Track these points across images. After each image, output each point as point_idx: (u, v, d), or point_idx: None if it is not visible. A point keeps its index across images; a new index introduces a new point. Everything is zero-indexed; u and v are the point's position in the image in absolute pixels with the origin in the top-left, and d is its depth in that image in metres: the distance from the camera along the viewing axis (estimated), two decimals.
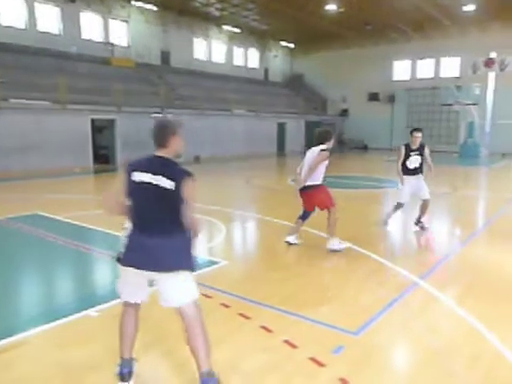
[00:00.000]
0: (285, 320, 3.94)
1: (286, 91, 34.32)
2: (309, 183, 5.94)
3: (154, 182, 2.71)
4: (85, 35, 23.42)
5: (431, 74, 31.00)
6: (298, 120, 30.53)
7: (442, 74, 30.37)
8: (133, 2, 24.60)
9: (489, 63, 26.20)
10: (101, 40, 24.07)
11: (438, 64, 30.71)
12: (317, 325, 3.81)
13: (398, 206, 7.37)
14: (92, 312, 4.06)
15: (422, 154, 7.14)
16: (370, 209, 9.75)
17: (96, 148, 19.22)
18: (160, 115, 20.84)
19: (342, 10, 25.34)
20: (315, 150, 6.02)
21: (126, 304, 2.98)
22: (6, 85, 15.99)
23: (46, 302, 4.54)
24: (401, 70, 32.44)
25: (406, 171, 7.17)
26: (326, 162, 5.99)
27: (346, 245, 6.02)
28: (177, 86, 24.38)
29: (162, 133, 2.82)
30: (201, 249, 6.18)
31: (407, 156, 7.12)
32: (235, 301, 4.32)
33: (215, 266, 5.41)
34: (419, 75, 31.62)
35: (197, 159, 22.29)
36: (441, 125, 30.38)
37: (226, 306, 4.18)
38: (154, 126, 2.88)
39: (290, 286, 4.78)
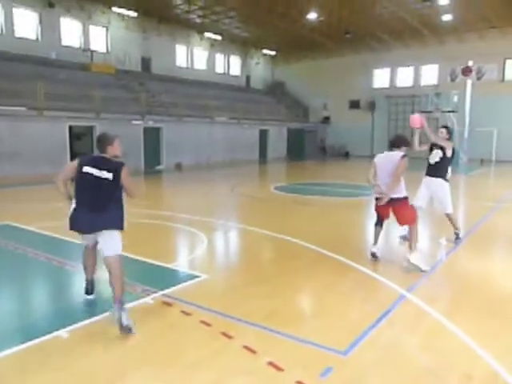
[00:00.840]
0: (269, 339, 3.73)
1: (268, 98, 34.32)
2: (395, 195, 5.45)
3: (97, 174, 4.01)
4: (64, 41, 23.03)
5: (411, 82, 31.41)
6: (280, 127, 30.52)
7: (422, 82, 30.80)
8: (113, 9, 24.27)
9: (466, 71, 26.59)
10: (80, 46, 23.66)
11: (417, 72, 31.14)
12: (303, 344, 3.61)
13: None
14: (63, 333, 3.78)
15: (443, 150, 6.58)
16: (353, 217, 9.64)
17: (74, 155, 18.74)
18: (139, 123, 20.53)
19: (322, 18, 25.51)
20: (393, 155, 5.55)
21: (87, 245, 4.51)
22: None
23: (12, 321, 4.20)
24: (381, 77, 32.80)
25: (426, 169, 6.81)
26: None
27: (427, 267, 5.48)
28: (158, 92, 24.08)
29: (101, 144, 4.17)
30: (180, 262, 5.94)
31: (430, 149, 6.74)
32: (216, 318, 4.09)
33: (195, 280, 5.17)
34: (399, 83, 32.02)
35: (178, 167, 21.99)
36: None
37: (207, 324, 3.95)
38: (96, 138, 4.34)
39: (274, 300, 4.58)
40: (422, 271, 5.38)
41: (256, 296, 4.72)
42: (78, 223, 4.15)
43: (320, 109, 34.91)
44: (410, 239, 5.63)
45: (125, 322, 3.76)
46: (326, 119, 35.11)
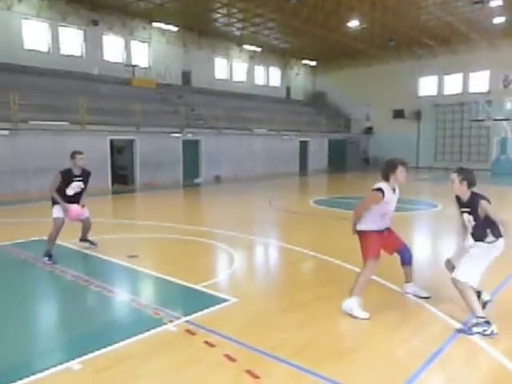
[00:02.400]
0: (300, 380, 3.25)
1: (309, 109, 33.82)
2: (359, 227, 4.76)
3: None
4: (107, 57, 23.62)
5: (459, 89, 29.93)
6: (321, 138, 29.91)
7: (471, 89, 29.27)
8: (154, 24, 24.73)
9: None
10: (122, 61, 24.22)
11: (466, 79, 29.66)
12: None
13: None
14: (74, 364, 3.47)
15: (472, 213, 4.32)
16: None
17: (115, 169, 19.03)
18: (178, 135, 20.60)
19: (364, 26, 24.83)
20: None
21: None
22: (27, 107, 16.02)
23: (21, 349, 3.92)
24: (427, 85, 31.51)
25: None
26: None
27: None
28: (197, 105, 24.20)
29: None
30: (209, 283, 5.56)
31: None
32: (242, 351, 3.66)
33: (223, 305, 4.76)
34: (446, 91, 30.62)
35: (217, 179, 21.88)
36: (471, 141, 29.20)
37: (232, 360, 3.52)
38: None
39: (307, 332, 4.09)
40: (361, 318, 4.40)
41: (289, 325, 4.25)
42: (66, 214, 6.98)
43: (362, 119, 34.01)
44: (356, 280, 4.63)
45: None
46: (369, 129, 34.12)
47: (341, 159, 31.44)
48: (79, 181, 6.95)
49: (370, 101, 32.78)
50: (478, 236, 4.31)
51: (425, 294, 4.95)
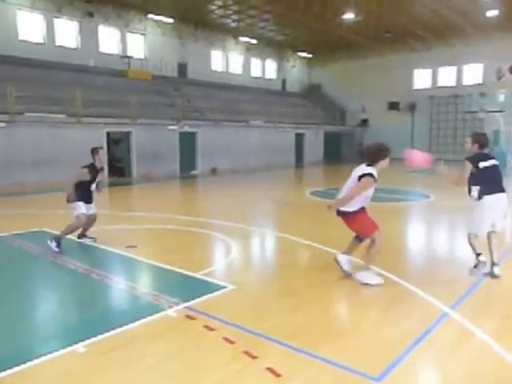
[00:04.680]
0: (295, 360, 3.43)
1: (304, 102, 33.91)
2: (343, 208, 5.11)
3: None
4: (102, 49, 23.58)
5: (453, 82, 30.16)
6: (317, 131, 30.04)
7: (465, 82, 29.51)
8: (149, 16, 24.67)
9: None
10: (118, 53, 24.18)
11: (460, 71, 29.86)
12: (332, 367, 3.30)
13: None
14: (79, 348, 3.63)
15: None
16: (393, 224, 9.15)
17: (112, 161, 19.10)
18: (174, 128, 20.66)
19: (360, 18, 24.90)
20: (357, 169, 5.15)
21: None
22: (23, 99, 16.04)
23: (28, 335, 4.09)
24: (422, 78, 31.68)
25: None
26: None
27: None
28: (193, 97, 24.24)
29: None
30: (207, 271, 5.73)
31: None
32: (241, 334, 3.84)
33: (222, 291, 4.94)
34: (441, 83, 30.82)
35: (213, 171, 22.00)
36: (464, 133, 29.34)
37: (230, 342, 3.70)
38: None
39: (302, 315, 4.28)
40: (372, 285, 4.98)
41: (284, 309, 4.43)
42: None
43: (357, 111, 34.12)
44: (368, 253, 5.14)
45: None
46: (364, 122, 34.27)
47: (336, 151, 31.62)
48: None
49: (365, 93, 32.89)
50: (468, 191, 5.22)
51: (347, 269, 5.26)
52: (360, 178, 4.92)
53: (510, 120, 23.76)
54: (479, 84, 28.08)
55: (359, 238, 5.34)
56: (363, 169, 4.98)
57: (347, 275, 5.26)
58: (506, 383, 3.13)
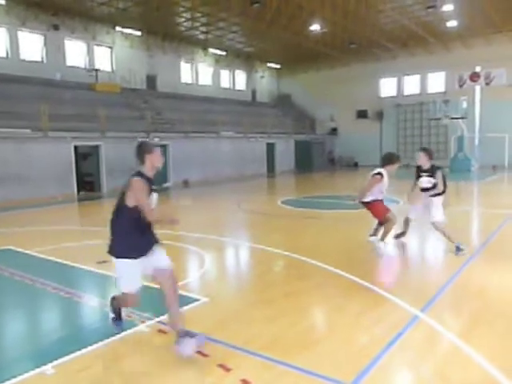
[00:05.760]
0: (270, 370, 3.43)
1: (274, 111, 34.22)
2: (365, 199, 6.78)
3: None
4: (69, 62, 23.20)
5: (418, 90, 31.12)
6: (287, 140, 30.34)
7: (429, 90, 30.50)
8: (117, 28, 24.48)
9: (474, 77, 26.38)
10: (85, 66, 23.85)
11: (424, 79, 30.86)
12: (306, 375, 3.31)
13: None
14: (48, 369, 3.51)
15: (432, 176, 6.73)
16: (364, 231, 9.30)
17: (81, 175, 18.73)
18: (146, 140, 20.45)
19: (326, 29, 25.42)
20: (374, 170, 6.73)
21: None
22: None
23: None
24: (388, 86, 32.56)
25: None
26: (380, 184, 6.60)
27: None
28: (163, 109, 24.10)
29: (139, 152, 3.78)
30: (179, 284, 5.65)
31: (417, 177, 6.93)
32: (214, 347, 3.81)
33: (194, 304, 4.90)
34: (406, 91, 31.76)
35: (185, 183, 21.86)
36: (430, 140, 30.32)
37: (204, 355, 3.66)
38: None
39: (276, 326, 4.28)
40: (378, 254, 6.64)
41: (259, 320, 4.42)
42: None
43: (327, 120, 34.70)
44: (384, 231, 6.79)
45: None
46: (334, 130, 34.85)
47: (307, 160, 31.97)
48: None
49: (333, 102, 33.52)
50: (434, 194, 6.73)
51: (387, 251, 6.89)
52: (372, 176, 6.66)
53: (472, 126, 24.69)
54: (442, 92, 29.06)
55: (379, 222, 6.91)
56: (376, 170, 6.66)
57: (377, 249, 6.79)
58: (475, 383, 3.21)
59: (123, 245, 3.68)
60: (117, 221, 3.72)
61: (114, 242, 3.73)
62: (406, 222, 7.38)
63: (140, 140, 4.10)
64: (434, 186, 6.68)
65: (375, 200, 6.69)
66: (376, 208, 6.72)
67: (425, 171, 6.76)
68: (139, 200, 3.57)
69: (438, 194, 6.74)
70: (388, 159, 6.67)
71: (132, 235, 3.68)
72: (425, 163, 6.76)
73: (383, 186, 6.59)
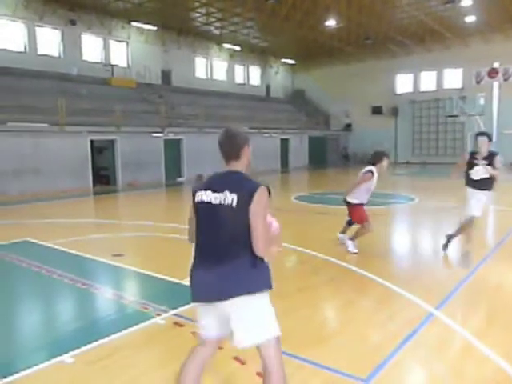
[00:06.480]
0: (285, 364, 3.45)
1: (289, 107, 34.13)
2: (350, 200, 6.74)
3: (214, 201, 2.41)
4: (85, 57, 23.45)
5: (434, 86, 30.70)
6: (301, 136, 30.24)
7: (446, 86, 30.07)
8: (133, 23, 24.63)
9: (492, 73, 25.86)
10: (101, 61, 24.06)
11: (440, 76, 30.44)
12: (322, 370, 3.33)
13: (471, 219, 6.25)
14: (67, 358, 3.60)
15: (491, 164, 5.94)
16: (378, 228, 9.25)
17: (96, 169, 18.96)
18: (159, 135, 20.60)
19: (341, 25, 25.23)
20: (363, 170, 6.68)
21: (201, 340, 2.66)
22: (5, 108, 15.85)
23: (14, 346, 4.04)
24: (403, 82, 32.19)
25: (472, 183, 6.17)
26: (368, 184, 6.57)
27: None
28: (178, 104, 24.21)
29: (234, 143, 2.49)
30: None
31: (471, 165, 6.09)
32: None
33: None
34: (422, 87, 31.35)
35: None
36: (446, 136, 29.95)
37: (219, 348, 3.70)
38: (222, 136, 2.51)
39: (291, 319, 4.31)
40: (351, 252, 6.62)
41: None
42: (193, 289, 2.51)
43: (341, 116, 34.48)
44: (356, 231, 6.81)
45: None
46: (348, 126, 34.62)
47: (321, 156, 31.85)
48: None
49: (348, 98, 33.29)
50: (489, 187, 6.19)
51: (353, 250, 6.73)
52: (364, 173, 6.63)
53: (489, 123, 24.29)
54: (459, 88, 28.63)
55: (349, 222, 7.11)
56: (366, 168, 6.60)
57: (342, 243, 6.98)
58: (490, 381, 3.19)
59: (265, 274, 2.48)
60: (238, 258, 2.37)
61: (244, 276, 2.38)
62: (469, 223, 6.22)
63: (228, 127, 2.53)
64: (490, 178, 5.95)
65: (359, 204, 6.70)
66: (358, 212, 6.72)
67: (484, 158, 5.93)
68: (262, 222, 2.35)
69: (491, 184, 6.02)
70: (378, 157, 6.62)
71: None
72: (485, 150, 5.96)
73: (372, 185, 6.60)
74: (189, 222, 2.62)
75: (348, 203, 6.76)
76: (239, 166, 2.54)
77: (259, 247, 2.33)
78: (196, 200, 2.50)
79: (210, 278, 2.39)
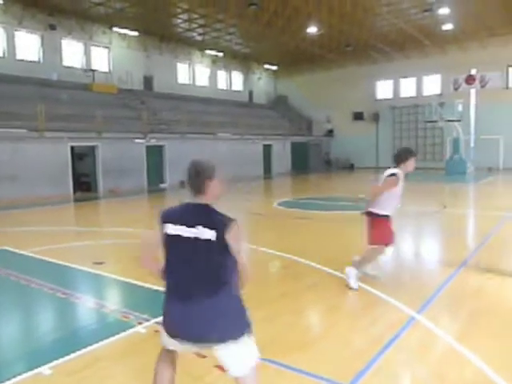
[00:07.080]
0: (267, 370, 3.43)
1: (271, 113, 34.29)
2: (373, 209, 5.31)
3: (192, 236, 2.39)
4: (66, 62, 23.17)
5: (414, 92, 31.25)
6: (284, 141, 30.37)
7: (425, 92, 30.65)
8: (114, 29, 24.46)
9: (469, 80, 26.46)
10: (82, 66, 23.80)
11: (419, 82, 31.01)
12: (304, 376, 3.32)
13: None
14: (45, 369, 3.51)
15: None
16: (359, 232, 9.33)
17: (77, 176, 18.70)
18: (141, 141, 20.44)
19: (322, 32, 25.50)
20: (387, 171, 5.33)
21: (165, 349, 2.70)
22: None
23: None
24: (384, 89, 32.70)
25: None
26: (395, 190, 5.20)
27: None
28: (160, 110, 24.09)
29: (199, 179, 2.48)
30: None
31: None
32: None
33: None
34: (402, 93, 31.88)
35: (182, 184, 21.81)
36: (426, 142, 30.47)
37: (202, 356, 3.67)
38: (189, 170, 2.52)
39: (273, 326, 4.30)
40: (349, 288, 5.25)
41: (255, 321, 4.38)
42: (170, 324, 2.52)
43: (323, 122, 34.78)
44: (363, 255, 5.39)
45: None
46: (330, 132, 34.93)
47: (304, 161, 32.04)
48: None
49: (330, 104, 33.61)
50: None
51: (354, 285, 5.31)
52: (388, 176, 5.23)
53: (467, 128, 24.81)
54: (438, 94, 29.21)
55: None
56: (390, 170, 5.28)
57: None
58: (472, 382, 3.23)
59: (241, 318, 2.55)
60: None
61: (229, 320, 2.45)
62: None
63: (195, 161, 2.55)
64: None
65: (386, 216, 5.25)
66: (382, 228, 5.23)
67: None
68: (242, 254, 2.44)
69: None
70: (402, 156, 5.24)
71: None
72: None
73: (399, 191, 5.25)
74: (146, 246, 2.66)
75: (372, 214, 5.29)
76: (207, 198, 2.52)
77: (247, 276, 2.43)
78: (166, 231, 2.48)
79: (188, 317, 2.39)
